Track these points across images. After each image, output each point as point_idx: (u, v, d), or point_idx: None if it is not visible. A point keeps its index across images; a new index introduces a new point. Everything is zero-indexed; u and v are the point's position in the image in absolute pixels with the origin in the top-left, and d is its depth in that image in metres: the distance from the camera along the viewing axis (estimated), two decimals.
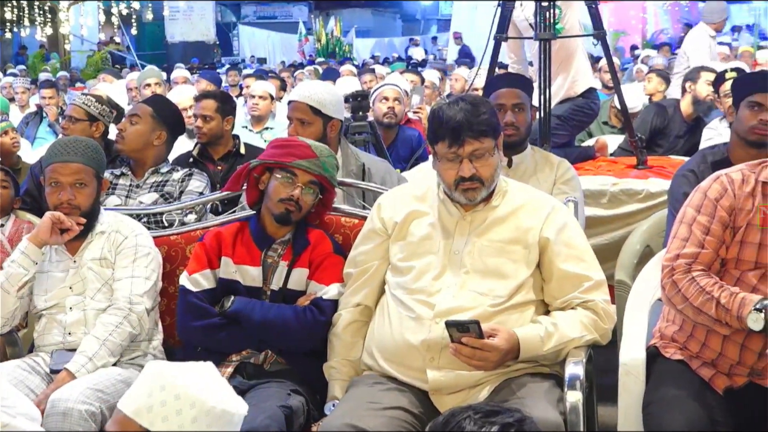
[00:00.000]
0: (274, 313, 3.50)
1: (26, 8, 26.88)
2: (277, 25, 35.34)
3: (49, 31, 27.43)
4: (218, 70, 17.12)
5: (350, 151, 4.68)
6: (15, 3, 26.49)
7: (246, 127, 7.88)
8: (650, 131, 6.77)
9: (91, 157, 3.75)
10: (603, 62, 10.52)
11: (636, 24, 26.24)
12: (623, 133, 6.82)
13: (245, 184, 3.77)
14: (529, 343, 3.16)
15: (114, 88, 9.65)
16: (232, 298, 3.54)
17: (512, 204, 3.38)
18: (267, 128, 7.92)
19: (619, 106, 6.13)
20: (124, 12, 27.41)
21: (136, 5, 27.46)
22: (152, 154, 4.77)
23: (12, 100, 11.49)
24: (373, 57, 26.31)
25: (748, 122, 4.17)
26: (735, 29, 23.94)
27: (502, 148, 3.40)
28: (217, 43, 32.37)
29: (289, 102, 4.63)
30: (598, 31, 5.61)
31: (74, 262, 3.74)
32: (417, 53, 28.70)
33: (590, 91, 6.13)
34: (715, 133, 6.36)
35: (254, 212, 3.77)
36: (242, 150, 5.56)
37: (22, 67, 21.50)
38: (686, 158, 5.25)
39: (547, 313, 3.32)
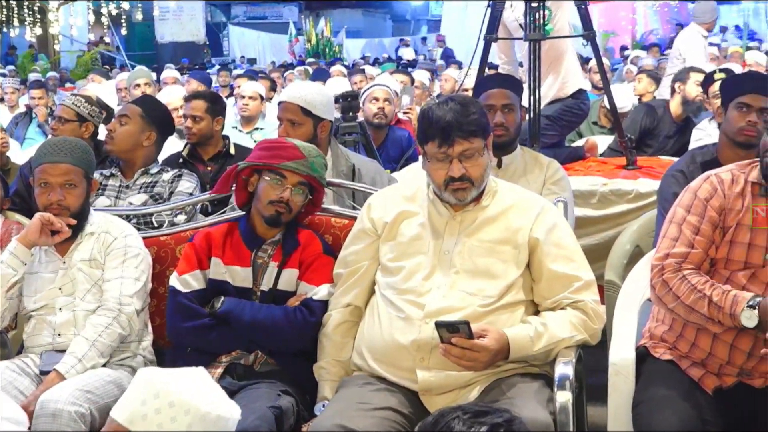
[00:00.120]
0: (264, 314, 3.50)
1: (15, 8, 26.81)
2: (267, 25, 35.31)
3: (38, 31, 27.36)
4: (208, 71, 17.10)
5: (340, 152, 4.68)
6: (4, 3, 26.41)
7: (236, 128, 7.87)
8: (640, 131, 6.78)
9: (81, 157, 3.74)
10: (593, 63, 10.53)
11: (626, 25, 26.33)
12: (613, 133, 6.83)
13: (234, 186, 3.77)
14: (519, 344, 3.17)
15: (104, 89, 9.62)
16: (222, 298, 3.54)
17: (502, 204, 3.38)
18: (257, 129, 7.92)
19: (609, 106, 6.14)
20: (114, 12, 27.37)
21: (125, 5, 27.44)
22: (142, 154, 4.76)
23: (1, 100, 11.47)
24: (363, 57, 26.30)
25: (737, 123, 4.19)
26: (722, 30, 24.02)
27: (492, 148, 3.41)
28: (207, 43, 32.34)
29: (280, 103, 4.63)
30: (588, 31, 5.62)
31: (64, 263, 3.73)
32: (407, 54, 28.71)
33: (580, 92, 6.14)
34: (705, 133, 6.37)
35: (244, 213, 3.76)
36: (232, 150, 5.55)
37: (12, 67, 21.44)
38: (675, 159, 5.26)
39: (536, 313, 3.32)
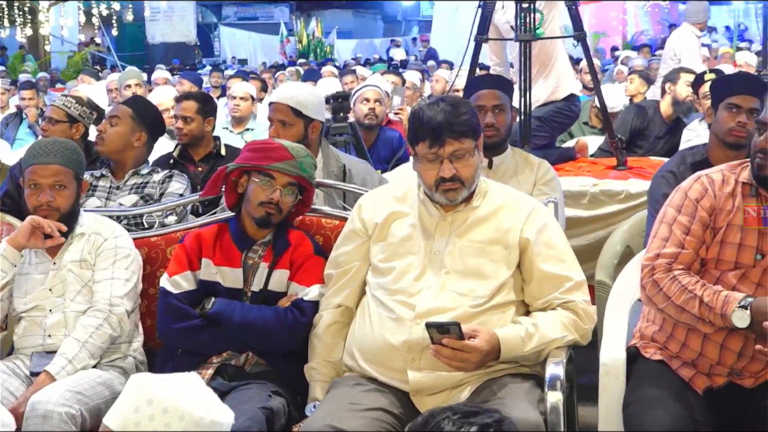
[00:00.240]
0: (255, 315, 3.50)
1: (6, 9, 26.73)
2: (258, 26, 35.27)
3: (29, 31, 27.28)
4: (199, 71, 17.08)
5: (331, 152, 4.67)
6: None
7: (227, 128, 7.86)
8: (630, 132, 6.80)
9: (71, 158, 3.73)
10: (583, 63, 10.55)
11: (616, 25, 26.37)
12: (603, 134, 6.84)
13: (224, 187, 3.77)
14: (510, 344, 3.17)
15: (94, 90, 9.62)
16: (213, 299, 3.53)
17: (492, 204, 3.38)
18: (248, 129, 7.91)
19: (599, 107, 6.15)
20: (105, 13, 27.29)
21: (116, 6, 27.35)
22: (132, 155, 4.76)
23: None
24: (354, 58, 26.29)
25: (727, 124, 4.20)
26: (710, 30, 24.09)
27: (483, 149, 3.41)
28: (198, 44, 32.29)
29: (270, 103, 4.62)
30: (579, 32, 5.63)
31: (54, 264, 3.72)
32: (398, 54, 28.71)
33: (572, 96, 6.16)
34: (695, 134, 6.39)
35: (234, 213, 3.76)
36: (223, 151, 5.54)
37: (2, 68, 21.38)
38: (666, 159, 5.27)
39: (527, 313, 3.33)
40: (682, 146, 6.22)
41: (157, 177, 4.71)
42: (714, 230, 3.21)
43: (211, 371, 3.47)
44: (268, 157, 3.62)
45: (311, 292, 3.54)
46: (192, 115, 5.50)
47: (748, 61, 11.82)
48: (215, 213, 4.03)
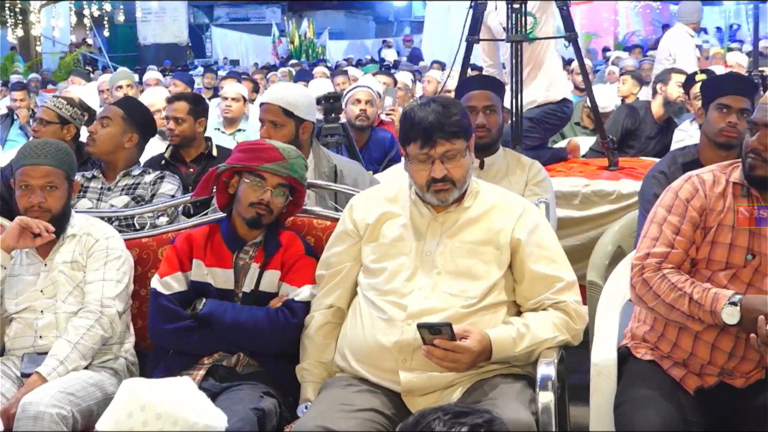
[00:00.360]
0: (246, 315, 3.50)
1: None
2: (250, 26, 35.24)
3: (20, 32, 27.20)
4: (191, 72, 17.07)
5: (322, 153, 4.67)
6: None
7: (218, 129, 7.85)
8: (621, 133, 6.81)
9: (62, 159, 3.73)
10: (575, 64, 10.56)
11: (608, 26, 26.38)
12: (595, 134, 6.85)
13: (215, 188, 3.76)
14: (502, 345, 3.17)
15: (86, 91, 9.60)
16: (204, 300, 3.53)
17: (484, 205, 3.38)
18: (239, 130, 7.90)
19: (591, 107, 6.16)
20: (96, 14, 27.26)
21: (108, 6, 27.33)
22: (123, 156, 4.75)
23: None
24: (346, 59, 26.28)
25: (717, 125, 4.21)
26: (700, 31, 24.14)
27: (474, 149, 3.41)
28: (190, 44, 32.28)
29: (261, 104, 4.62)
30: (570, 33, 5.64)
31: (45, 265, 3.72)
32: (390, 55, 28.69)
33: (564, 98, 6.16)
34: (686, 134, 6.40)
35: (225, 214, 3.76)
36: (214, 152, 5.54)
37: None
38: (657, 159, 5.28)
39: (519, 314, 3.33)
40: (674, 147, 6.22)
41: (149, 178, 4.70)
42: (704, 230, 3.22)
43: (202, 372, 3.47)
44: (259, 157, 3.62)
45: (302, 293, 3.54)
46: (183, 116, 5.50)
47: (739, 61, 11.84)
48: (207, 214, 4.02)
